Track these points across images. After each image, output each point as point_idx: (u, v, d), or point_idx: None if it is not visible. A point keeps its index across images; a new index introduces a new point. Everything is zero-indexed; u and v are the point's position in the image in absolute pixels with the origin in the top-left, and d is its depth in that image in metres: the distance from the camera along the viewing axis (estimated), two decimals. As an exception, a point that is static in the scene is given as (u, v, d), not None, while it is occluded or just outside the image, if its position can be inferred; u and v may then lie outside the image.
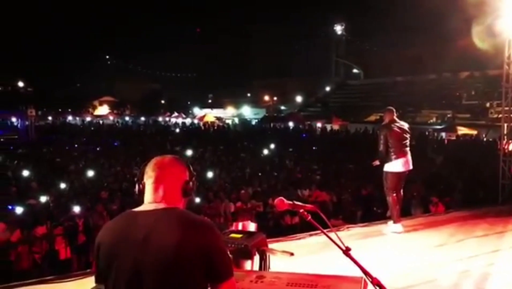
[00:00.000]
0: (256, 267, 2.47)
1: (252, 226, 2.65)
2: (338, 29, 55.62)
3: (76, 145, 22.17)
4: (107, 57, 74.23)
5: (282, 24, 57.27)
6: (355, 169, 14.35)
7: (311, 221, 2.02)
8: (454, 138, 25.78)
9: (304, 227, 6.56)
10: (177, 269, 1.66)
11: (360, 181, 12.31)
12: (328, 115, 39.92)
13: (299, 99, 52.67)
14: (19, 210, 8.70)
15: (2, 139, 27.59)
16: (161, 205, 1.81)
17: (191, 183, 1.90)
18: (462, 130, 26.34)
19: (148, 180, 1.85)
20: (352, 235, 6.09)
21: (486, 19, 8.79)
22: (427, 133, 26.71)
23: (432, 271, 4.71)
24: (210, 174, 13.42)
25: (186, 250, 1.66)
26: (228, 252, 1.84)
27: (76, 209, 8.71)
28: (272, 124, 40.23)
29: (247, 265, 2.44)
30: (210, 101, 64.74)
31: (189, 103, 61.73)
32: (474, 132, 25.87)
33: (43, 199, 9.99)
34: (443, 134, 27.23)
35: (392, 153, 6.17)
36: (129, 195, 9.91)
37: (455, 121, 29.10)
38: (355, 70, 55.95)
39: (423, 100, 34.73)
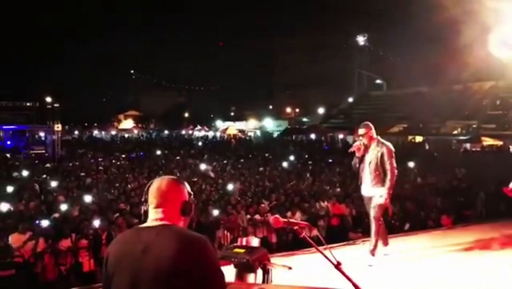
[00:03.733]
0: (259, 280, 2.61)
1: (255, 241, 2.80)
2: (361, 39, 55.37)
3: (101, 159, 22.71)
4: (132, 71, 75.79)
5: (304, 35, 57.45)
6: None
7: (304, 237, 2.16)
8: (479, 149, 25.37)
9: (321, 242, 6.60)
10: (172, 280, 1.84)
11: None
12: (350, 127, 39.76)
13: (321, 110, 52.60)
14: (44, 223, 9.02)
15: (32, 153, 28.47)
16: (162, 222, 2.03)
17: (188, 203, 2.12)
18: (487, 141, 25.90)
19: (151, 205, 2.09)
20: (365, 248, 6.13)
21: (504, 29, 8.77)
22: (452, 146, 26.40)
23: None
24: (230, 187, 13.58)
25: (181, 262, 1.85)
26: (220, 267, 2.00)
27: (99, 222, 8.98)
28: (294, 136, 40.26)
29: (251, 278, 2.60)
30: (232, 113, 65.25)
31: (212, 116, 62.37)
32: (500, 143, 25.41)
33: (68, 212, 10.32)
34: (468, 145, 26.83)
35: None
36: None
37: (479, 132, 28.63)
38: (378, 81, 55.58)
39: (447, 111, 34.29)
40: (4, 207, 10.42)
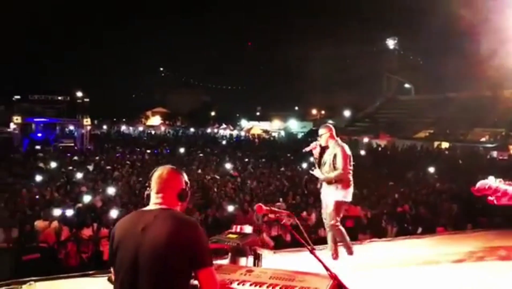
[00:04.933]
0: (251, 264, 2.86)
1: (248, 229, 3.04)
2: (391, 43, 54.77)
3: (127, 153, 23.33)
4: (161, 69, 77.04)
5: (333, 37, 57.23)
6: (394, 186, 14.35)
7: (285, 224, 2.39)
8: (506, 157, 24.89)
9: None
10: (166, 255, 2.14)
11: (397, 198, 12.37)
12: (375, 131, 39.49)
13: (347, 113, 52.32)
14: (69, 212, 9.47)
15: (61, 147, 29.40)
16: (161, 206, 2.35)
17: (185, 190, 2.43)
18: (515, 150, 25.42)
19: (153, 190, 2.41)
20: (370, 248, 6.27)
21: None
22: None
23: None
24: (249, 185, 13.85)
25: (175, 240, 2.16)
26: (209, 246, 2.29)
27: (120, 213, 9.36)
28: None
29: (242, 261, 2.85)
30: (258, 113, 65.56)
31: (237, 115, 62.84)
32: (528, 151, 24.89)
33: (91, 203, 10.79)
34: (495, 153, 26.35)
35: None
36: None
37: (508, 140, 28.05)
38: (406, 85, 54.91)
39: (475, 117, 33.70)
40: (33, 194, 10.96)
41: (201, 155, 23.29)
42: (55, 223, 8.90)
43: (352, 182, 5.43)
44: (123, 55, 62.89)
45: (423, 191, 13.19)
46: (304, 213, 11.13)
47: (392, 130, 38.59)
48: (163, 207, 2.34)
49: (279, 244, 9.11)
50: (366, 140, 37.70)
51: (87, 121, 31.40)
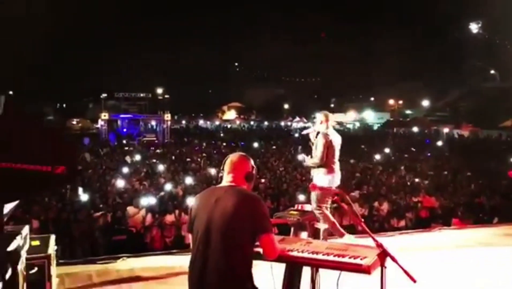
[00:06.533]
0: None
1: (308, 207, 3.38)
2: (474, 27, 51.40)
3: (204, 146, 24.45)
4: (236, 64, 78.76)
5: (410, 22, 55.18)
6: (472, 177, 13.89)
7: (336, 200, 2.69)
8: None
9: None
10: (233, 222, 2.65)
11: (474, 189, 12.02)
12: (457, 120, 37.77)
13: (426, 103, 50.31)
14: (152, 200, 10.31)
15: (144, 141, 31.41)
16: (230, 184, 2.87)
17: (251, 173, 2.93)
18: None
19: (225, 172, 2.94)
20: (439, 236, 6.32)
21: None
22: None
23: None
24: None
25: (240, 209, 2.67)
26: (269, 216, 2.75)
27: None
28: (395, 129, 39.25)
29: (303, 235, 3.22)
30: (332, 105, 64.92)
31: (311, 107, 62.69)
32: None
33: (173, 191, 11.63)
34: None
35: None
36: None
37: None
38: (491, 72, 51.55)
39: None
40: (121, 184, 12.03)
41: (274, 147, 23.77)
42: (142, 210, 9.77)
43: (336, 169, 5.50)
44: (200, 52, 65.10)
45: (503, 182, 12.66)
46: (376, 204, 11.15)
47: (476, 119, 36.64)
48: (232, 185, 2.84)
49: (351, 232, 9.28)
50: (446, 130, 36.17)
51: (167, 117, 33.24)
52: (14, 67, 46.81)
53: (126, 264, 5.50)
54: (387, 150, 20.94)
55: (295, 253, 2.82)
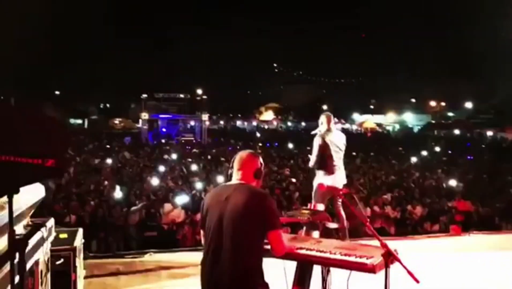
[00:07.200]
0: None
1: (320, 207, 3.44)
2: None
3: (238, 147, 24.68)
4: (275, 65, 78.86)
5: (453, 21, 53.54)
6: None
7: (344, 200, 2.73)
8: None
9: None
10: (243, 218, 2.74)
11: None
12: (502, 123, 36.40)
13: (469, 105, 48.75)
14: (185, 198, 10.55)
15: (183, 140, 32.05)
16: (240, 181, 2.95)
17: (260, 170, 3.00)
18: None
19: (234, 169, 3.02)
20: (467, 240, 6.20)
21: None
22: None
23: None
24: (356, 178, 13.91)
25: (249, 207, 2.76)
26: (278, 213, 2.86)
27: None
28: (435, 132, 38.30)
29: (315, 234, 3.28)
30: (372, 107, 63.94)
31: (350, 109, 61.99)
32: None
33: (205, 190, 11.85)
34: None
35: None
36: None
37: None
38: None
39: None
40: (155, 182, 12.36)
41: (308, 148, 23.64)
42: (178, 208, 10.02)
43: (337, 169, 5.56)
44: (239, 53, 65.60)
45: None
46: (409, 207, 10.98)
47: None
48: (242, 182, 2.92)
49: (383, 236, 9.19)
50: (490, 133, 34.95)
51: (205, 117, 33.77)
52: (61, 68, 48.92)
53: (153, 259, 5.72)
54: (424, 153, 20.49)
55: (303, 251, 2.88)
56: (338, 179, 5.54)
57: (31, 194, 2.89)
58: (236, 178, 2.96)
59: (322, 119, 5.87)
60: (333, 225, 3.31)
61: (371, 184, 13.73)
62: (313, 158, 5.69)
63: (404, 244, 6.47)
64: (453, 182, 12.82)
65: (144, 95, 34.58)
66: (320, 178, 5.49)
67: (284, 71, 76.38)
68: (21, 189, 3.03)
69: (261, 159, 3.04)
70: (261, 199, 2.79)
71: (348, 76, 68.56)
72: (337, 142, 5.74)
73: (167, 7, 69.86)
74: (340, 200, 5.34)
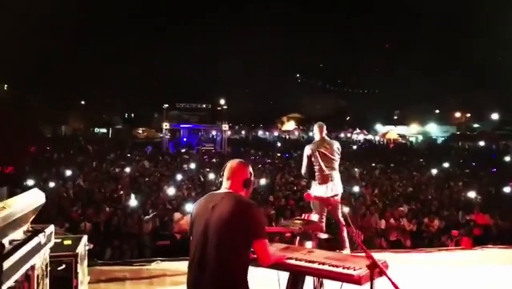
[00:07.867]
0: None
1: (314, 217, 3.44)
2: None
3: (258, 157, 24.73)
4: (298, 75, 78.79)
5: (479, 29, 52.51)
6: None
7: (331, 209, 2.73)
8: None
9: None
10: (228, 228, 2.76)
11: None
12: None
13: (495, 116, 47.71)
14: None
15: (203, 149, 32.29)
16: (228, 190, 2.98)
17: (249, 179, 3.02)
18: None
19: (224, 177, 3.05)
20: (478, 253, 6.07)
21: None
22: None
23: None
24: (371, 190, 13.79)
25: (235, 217, 2.78)
26: (264, 223, 2.87)
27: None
28: (460, 143, 37.61)
29: (308, 244, 3.29)
30: (396, 117, 63.14)
31: (373, 119, 61.39)
32: None
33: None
34: None
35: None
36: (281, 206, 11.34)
37: None
38: None
39: None
40: (171, 191, 12.50)
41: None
42: (187, 216, 10.09)
43: (329, 178, 5.54)
44: (260, 63, 65.89)
45: None
46: (426, 220, 10.80)
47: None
48: (230, 191, 2.94)
49: (398, 248, 9.09)
50: (516, 145, 34.14)
51: (225, 127, 34.00)
52: (86, 79, 50.06)
53: (160, 267, 5.80)
54: (446, 165, 20.14)
55: (292, 261, 2.90)
56: (331, 188, 5.51)
57: (31, 199, 2.99)
58: (225, 187, 2.99)
59: (315, 129, 6.00)
60: (324, 236, 3.32)
61: (388, 195, 13.57)
62: (302, 168, 5.81)
63: (413, 257, 6.40)
64: (472, 194, 12.57)
65: (166, 105, 35.05)
66: (312, 188, 5.54)
67: (306, 81, 76.25)
68: (21, 194, 3.16)
69: (250, 169, 3.05)
70: (246, 208, 2.80)
71: (371, 87, 67.98)
72: (330, 151, 5.79)
73: (192, 18, 70.71)
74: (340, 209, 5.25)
